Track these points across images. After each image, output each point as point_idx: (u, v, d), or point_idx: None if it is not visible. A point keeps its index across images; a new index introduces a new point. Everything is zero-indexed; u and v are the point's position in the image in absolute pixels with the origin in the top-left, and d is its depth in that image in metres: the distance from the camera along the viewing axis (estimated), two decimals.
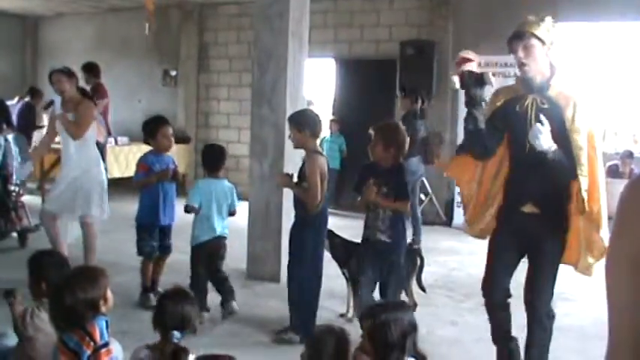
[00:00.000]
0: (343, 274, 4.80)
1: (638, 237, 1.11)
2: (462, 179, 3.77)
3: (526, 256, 3.49)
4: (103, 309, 2.66)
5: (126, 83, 11.72)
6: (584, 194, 3.22)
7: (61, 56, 11.95)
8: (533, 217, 3.37)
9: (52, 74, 5.50)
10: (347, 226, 5.78)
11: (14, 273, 5.27)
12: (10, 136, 6.80)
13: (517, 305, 3.58)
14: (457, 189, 3.98)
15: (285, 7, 5.76)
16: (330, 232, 4.74)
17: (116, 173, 9.70)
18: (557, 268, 3.42)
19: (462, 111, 3.83)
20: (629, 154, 8.29)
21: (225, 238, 4.84)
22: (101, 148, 8.33)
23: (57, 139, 5.82)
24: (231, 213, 4.89)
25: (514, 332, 3.63)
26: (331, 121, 9.99)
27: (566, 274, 3.54)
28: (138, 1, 9.60)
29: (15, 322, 3.11)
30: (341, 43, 10.29)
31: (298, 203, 4.43)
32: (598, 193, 3.30)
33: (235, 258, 5.63)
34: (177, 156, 8.28)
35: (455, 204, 8.82)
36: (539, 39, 3.28)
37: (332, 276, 4.87)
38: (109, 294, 2.70)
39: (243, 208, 5.91)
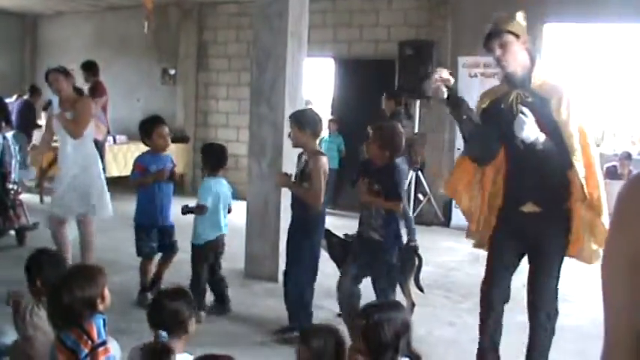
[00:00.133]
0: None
1: (637, 236, 1.11)
2: (460, 198, 3.73)
3: (527, 256, 3.47)
4: (101, 307, 2.65)
5: (125, 82, 11.71)
6: (582, 180, 3.19)
7: (59, 54, 11.96)
8: (534, 217, 3.35)
9: (48, 73, 5.51)
10: (345, 226, 5.77)
11: (12, 271, 5.27)
12: (10, 134, 6.79)
13: (515, 308, 3.58)
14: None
15: (285, 7, 5.76)
16: (328, 231, 4.74)
17: (114, 172, 9.69)
18: (559, 268, 3.40)
19: None
20: (628, 156, 8.29)
21: (224, 235, 4.91)
22: (100, 146, 8.36)
23: (55, 137, 5.80)
24: (229, 210, 4.96)
25: (515, 334, 3.63)
26: (330, 120, 9.99)
27: (565, 274, 3.54)
28: None
29: (16, 322, 3.11)
30: (340, 42, 10.29)
31: (297, 204, 4.43)
32: (596, 179, 3.27)
33: (233, 257, 5.63)
34: (176, 155, 8.27)
35: (453, 204, 8.81)
36: (513, 34, 3.29)
37: (330, 275, 4.86)
38: (107, 292, 2.69)
39: (241, 207, 5.92)
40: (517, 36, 3.30)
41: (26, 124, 9.61)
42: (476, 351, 3.60)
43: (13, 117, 9.74)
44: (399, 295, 4.30)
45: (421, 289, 4.77)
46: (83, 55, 10.19)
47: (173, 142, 5.36)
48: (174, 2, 11.40)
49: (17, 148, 6.59)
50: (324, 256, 4.66)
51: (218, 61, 11.44)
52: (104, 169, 8.79)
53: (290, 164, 5.26)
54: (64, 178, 5.42)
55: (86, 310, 2.59)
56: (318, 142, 4.70)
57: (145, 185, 5.02)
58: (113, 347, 2.70)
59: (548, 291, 3.39)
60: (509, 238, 3.45)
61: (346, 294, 4.12)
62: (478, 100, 3.62)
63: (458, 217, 7.55)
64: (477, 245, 3.76)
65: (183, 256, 5.31)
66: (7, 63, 13.34)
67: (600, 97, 9.10)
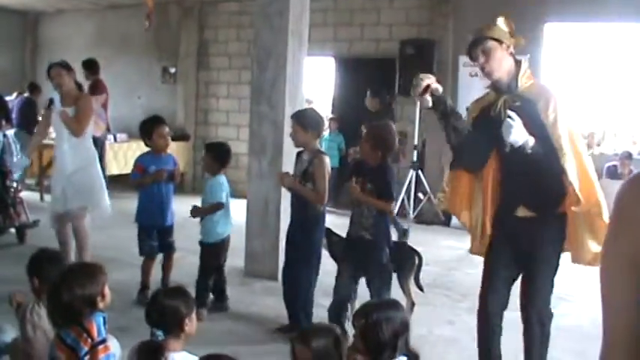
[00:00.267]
0: None
1: (637, 236, 1.10)
2: (460, 213, 3.69)
3: (521, 261, 3.39)
4: (101, 305, 2.65)
5: (125, 80, 11.71)
6: (575, 183, 3.14)
7: (60, 52, 11.92)
8: (528, 221, 3.31)
9: (50, 68, 5.48)
10: (345, 225, 5.74)
11: (13, 269, 5.27)
12: (11, 132, 6.80)
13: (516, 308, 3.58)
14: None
15: (285, 5, 5.75)
16: (328, 230, 4.74)
17: (115, 170, 9.69)
18: (554, 273, 3.35)
19: (462, 110, 3.78)
20: (628, 155, 8.28)
21: None
22: (100, 144, 8.37)
23: (53, 135, 5.78)
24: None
25: (516, 334, 3.62)
26: (330, 119, 9.99)
27: (565, 274, 3.53)
28: None
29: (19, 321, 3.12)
30: (341, 41, 10.28)
31: (299, 203, 4.41)
32: (591, 182, 3.24)
33: (233, 255, 5.62)
34: (176, 154, 8.26)
35: None
36: (496, 40, 3.26)
37: (330, 273, 4.86)
38: (107, 290, 2.69)
39: (241, 205, 5.92)
40: (500, 42, 3.27)
41: (27, 122, 9.62)
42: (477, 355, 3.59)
43: (14, 115, 9.77)
44: (398, 295, 4.30)
45: (421, 289, 4.77)
46: (84, 53, 10.19)
47: (173, 140, 5.35)
48: (174, 0, 11.41)
49: (18, 146, 6.59)
50: (324, 255, 4.65)
51: (219, 60, 11.44)
52: (103, 168, 8.86)
53: (290, 163, 5.26)
54: (59, 177, 5.39)
55: (86, 308, 2.59)
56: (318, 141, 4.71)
57: (143, 186, 5.03)
58: (113, 345, 2.70)
59: (542, 296, 3.33)
60: (504, 243, 3.40)
61: (340, 294, 4.16)
62: (470, 106, 3.60)
63: None
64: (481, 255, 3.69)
65: (182, 254, 5.32)
66: (8, 61, 13.34)
67: (601, 96, 9.09)
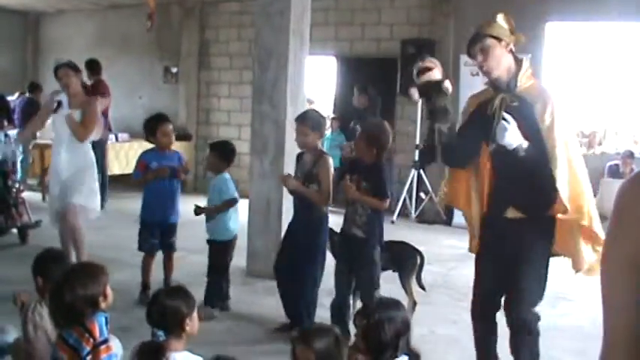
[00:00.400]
0: None
1: (638, 236, 1.10)
2: (459, 204, 3.67)
3: (509, 262, 3.32)
4: (103, 305, 2.66)
5: (127, 80, 11.72)
6: (564, 188, 3.09)
7: (62, 53, 11.94)
8: (517, 223, 3.25)
9: (58, 68, 5.42)
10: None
11: (15, 269, 5.29)
12: (13, 132, 6.80)
13: None
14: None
15: (287, 5, 5.75)
16: (330, 229, 4.74)
17: (116, 170, 9.71)
18: (540, 275, 3.29)
19: (461, 109, 3.77)
20: (630, 154, 8.28)
21: None
22: (102, 144, 8.38)
23: (52, 134, 5.76)
24: None
25: None
26: (332, 119, 9.99)
27: (565, 274, 3.53)
28: None
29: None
30: (342, 41, 10.29)
31: (303, 205, 4.40)
32: (582, 192, 3.18)
33: (235, 255, 5.62)
34: None
35: None
36: (494, 37, 3.21)
37: (332, 272, 4.87)
38: (109, 291, 2.70)
39: (243, 205, 5.92)
40: (499, 39, 3.22)
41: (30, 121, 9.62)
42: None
43: (17, 115, 9.78)
44: (400, 294, 4.30)
45: (423, 288, 4.77)
46: (85, 53, 10.19)
47: (176, 139, 5.34)
48: (176, 1, 11.41)
49: (21, 146, 6.59)
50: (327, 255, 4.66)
51: (220, 60, 11.45)
52: (105, 168, 8.87)
53: (292, 163, 5.25)
54: (54, 181, 5.36)
55: (88, 308, 2.60)
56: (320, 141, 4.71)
57: (145, 182, 5.03)
58: (115, 345, 2.71)
59: (525, 299, 3.27)
60: (493, 245, 3.36)
61: (340, 290, 4.19)
62: (467, 102, 3.57)
63: (459, 215, 7.55)
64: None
65: (183, 254, 5.32)
66: (10, 61, 13.36)
67: (602, 95, 9.08)
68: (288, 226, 4.66)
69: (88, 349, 2.56)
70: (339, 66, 10.45)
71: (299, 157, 4.55)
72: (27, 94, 10.76)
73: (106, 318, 2.66)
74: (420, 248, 4.79)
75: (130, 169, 9.17)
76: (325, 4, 9.94)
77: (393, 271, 4.62)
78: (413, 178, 9.00)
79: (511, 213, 3.28)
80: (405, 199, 9.03)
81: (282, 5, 5.77)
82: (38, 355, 3.03)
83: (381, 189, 4.01)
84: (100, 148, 8.05)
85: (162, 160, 5.03)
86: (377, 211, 4.08)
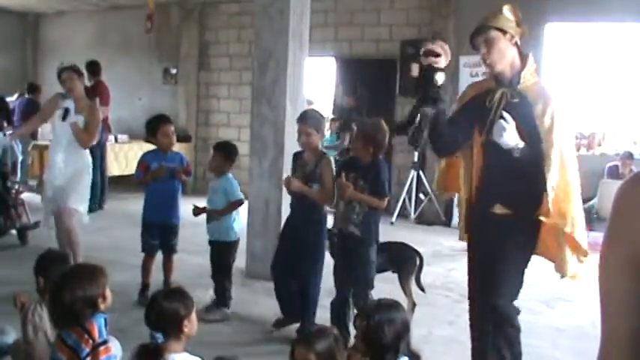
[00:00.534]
0: None
1: (637, 236, 1.10)
2: (453, 189, 3.66)
3: (487, 258, 3.29)
4: (102, 307, 2.66)
5: (126, 81, 11.72)
6: (551, 192, 3.04)
7: (61, 54, 11.97)
8: (502, 219, 3.21)
9: (62, 72, 5.41)
10: None
11: (14, 270, 5.29)
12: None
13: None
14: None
15: (286, 6, 5.75)
16: (329, 230, 4.74)
17: (116, 171, 9.71)
18: (517, 272, 3.24)
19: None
20: (629, 155, 8.28)
21: None
22: (101, 145, 8.38)
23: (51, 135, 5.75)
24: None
25: None
26: (332, 120, 9.99)
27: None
28: None
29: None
30: (341, 42, 10.29)
31: (305, 205, 4.39)
32: (569, 199, 3.11)
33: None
34: None
35: (454, 204, 8.82)
36: (499, 30, 3.11)
37: (331, 273, 4.87)
38: (108, 292, 2.70)
39: (242, 205, 5.91)
40: (504, 32, 3.12)
41: None
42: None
43: (17, 116, 9.78)
44: (399, 296, 4.30)
45: (422, 289, 4.77)
46: (85, 54, 10.20)
47: (176, 141, 5.34)
48: (175, 2, 11.42)
49: (20, 147, 6.59)
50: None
51: (219, 61, 11.45)
52: (104, 169, 8.87)
53: (290, 164, 5.26)
54: (49, 185, 5.33)
55: (87, 309, 2.60)
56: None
57: (145, 183, 5.04)
58: (114, 347, 2.71)
59: (501, 293, 3.23)
60: (480, 241, 3.34)
61: (340, 288, 4.20)
62: (465, 89, 3.52)
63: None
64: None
65: (182, 255, 5.31)
66: (9, 62, 13.36)
67: (602, 96, 9.09)
68: (285, 226, 4.65)
69: (88, 350, 2.56)
70: (338, 67, 10.45)
71: (296, 156, 4.54)
72: (26, 95, 10.75)
73: (105, 319, 2.66)
74: (420, 249, 4.79)
75: (129, 170, 9.18)
76: (325, 5, 9.95)
77: (393, 272, 4.62)
78: (412, 179, 9.00)
79: (498, 209, 3.23)
80: (404, 200, 9.03)
81: (282, 6, 5.77)
82: (37, 357, 3.02)
83: (379, 188, 4.01)
84: (99, 149, 8.06)
85: (163, 161, 5.03)
86: (374, 210, 4.08)
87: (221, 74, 11.45)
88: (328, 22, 10.20)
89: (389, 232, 6.35)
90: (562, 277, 3.25)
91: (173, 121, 5.50)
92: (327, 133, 9.77)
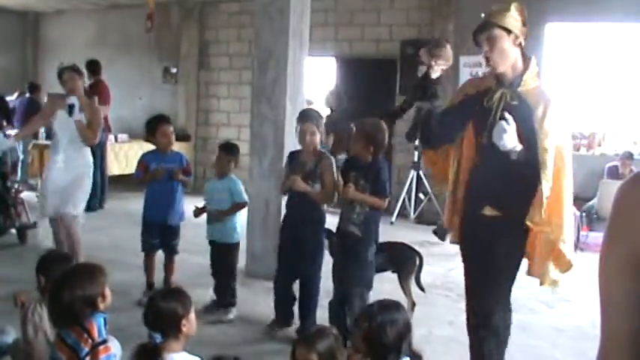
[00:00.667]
0: None
1: (637, 236, 1.09)
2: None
3: (478, 261, 3.26)
4: (102, 306, 2.66)
5: (126, 80, 11.72)
6: (545, 200, 2.99)
7: (61, 53, 11.97)
8: (492, 221, 3.16)
9: (63, 72, 5.40)
10: None
11: (14, 269, 5.29)
12: (12, 133, 6.80)
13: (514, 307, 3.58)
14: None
15: (286, 5, 5.75)
16: (329, 230, 4.74)
17: (116, 170, 9.70)
18: (507, 277, 3.21)
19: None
20: (629, 155, 8.27)
21: None
22: (101, 145, 8.37)
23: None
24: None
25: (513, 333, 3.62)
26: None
27: (564, 275, 3.52)
28: None
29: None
30: (341, 41, 10.28)
31: (306, 205, 4.38)
32: (560, 206, 3.06)
33: None
34: None
35: None
36: (504, 29, 3.02)
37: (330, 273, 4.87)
38: (108, 291, 2.70)
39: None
40: (508, 31, 3.04)
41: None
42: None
43: (18, 116, 9.79)
44: (399, 296, 4.30)
45: (422, 289, 4.77)
46: (85, 53, 10.19)
47: (175, 140, 5.34)
48: (175, 1, 11.41)
49: (21, 147, 6.59)
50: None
51: (219, 60, 11.45)
52: (104, 168, 8.86)
53: None
54: (49, 187, 5.32)
55: (87, 308, 2.60)
56: None
57: (144, 183, 5.05)
58: (114, 346, 2.71)
59: (489, 299, 3.22)
60: (472, 245, 3.30)
61: (339, 287, 4.20)
62: (464, 84, 3.51)
63: None
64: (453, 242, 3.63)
65: (182, 256, 5.31)
66: (9, 61, 13.36)
67: (602, 96, 9.08)
68: (283, 227, 4.63)
69: (87, 349, 2.56)
70: (338, 67, 10.44)
71: (292, 156, 4.53)
72: (27, 95, 10.76)
73: (104, 318, 2.66)
74: (419, 249, 4.79)
75: (129, 169, 9.18)
76: (325, 5, 9.94)
77: (392, 272, 4.62)
78: (412, 179, 8.99)
79: (488, 210, 3.18)
80: (404, 200, 9.03)
81: (282, 5, 5.77)
82: (37, 356, 3.03)
83: (381, 188, 4.01)
84: (99, 148, 8.06)
85: (162, 161, 5.02)
86: (375, 210, 4.08)
87: (221, 73, 11.45)
88: (328, 22, 10.20)
89: (389, 232, 6.34)
90: (541, 284, 3.23)
91: (173, 120, 5.51)
92: None
